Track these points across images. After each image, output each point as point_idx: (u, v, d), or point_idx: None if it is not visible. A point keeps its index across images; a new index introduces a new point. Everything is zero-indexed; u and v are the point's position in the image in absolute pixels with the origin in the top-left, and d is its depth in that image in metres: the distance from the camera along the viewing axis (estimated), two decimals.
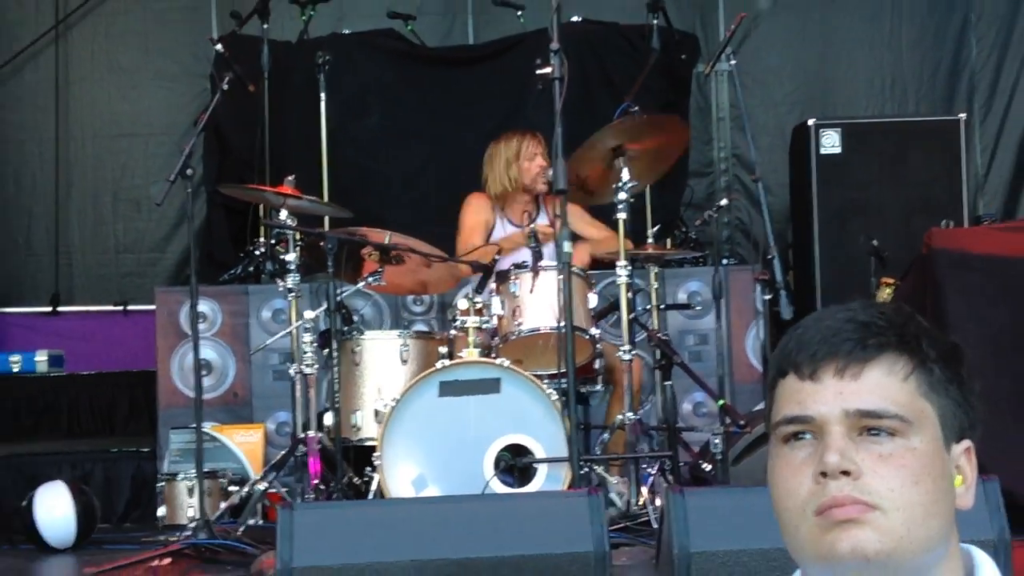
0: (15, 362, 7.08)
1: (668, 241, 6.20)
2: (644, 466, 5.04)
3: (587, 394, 5.36)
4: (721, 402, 5.35)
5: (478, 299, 5.17)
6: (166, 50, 7.96)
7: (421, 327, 5.93)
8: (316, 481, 5.02)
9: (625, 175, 5.15)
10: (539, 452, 4.78)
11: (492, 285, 5.26)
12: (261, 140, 6.74)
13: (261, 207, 6.46)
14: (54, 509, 5.23)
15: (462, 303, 5.18)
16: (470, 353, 5.04)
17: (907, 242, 5.83)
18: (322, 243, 5.14)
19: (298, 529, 2.78)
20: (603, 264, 5.64)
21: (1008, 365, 4.79)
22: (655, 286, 5.56)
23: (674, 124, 5.81)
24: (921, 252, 5.13)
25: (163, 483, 5.64)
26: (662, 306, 5.63)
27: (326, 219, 6.03)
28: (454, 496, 4.51)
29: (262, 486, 5.28)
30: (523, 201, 5.84)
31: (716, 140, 7.99)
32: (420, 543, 2.81)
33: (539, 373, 5.01)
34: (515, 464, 4.77)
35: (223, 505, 5.33)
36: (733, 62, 5.42)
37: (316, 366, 5.24)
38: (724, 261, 5.65)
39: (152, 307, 6.49)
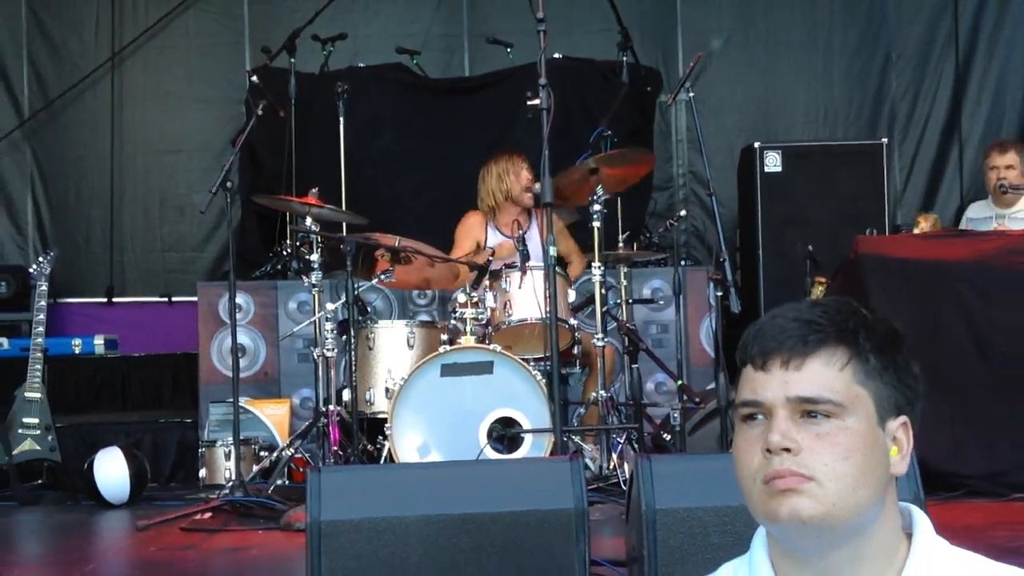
0: (76, 345, 7.04)
1: (635, 245, 6.19)
2: (614, 436, 5.05)
3: (567, 375, 5.34)
4: (679, 382, 5.37)
5: (474, 294, 5.17)
6: (205, 79, 7.90)
7: (425, 318, 5.91)
8: (335, 448, 5.02)
9: (599, 191, 5.16)
10: (526, 424, 4.78)
11: (486, 282, 5.25)
12: (288, 158, 6.73)
13: (288, 215, 6.45)
14: (111, 471, 5.25)
15: (460, 297, 5.17)
16: (467, 340, 5.04)
17: (837, 247, 5.77)
18: (341, 246, 5.13)
19: (324, 488, 2.75)
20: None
21: (919, 351, 4.79)
22: (624, 283, 5.56)
23: (643, 155, 5.82)
24: (849, 256, 5.15)
25: (204, 449, 5.63)
26: (630, 300, 5.63)
27: (344, 225, 6.02)
28: (454, 461, 4.49)
29: (288, 452, 5.30)
30: (512, 212, 5.80)
31: (676, 159, 7.94)
32: (427, 500, 2.78)
33: (526, 357, 5.01)
34: (505, 434, 4.77)
35: (255, 468, 5.33)
36: (691, 93, 5.36)
37: (335, 350, 5.24)
38: (682, 262, 5.65)
39: (194, 298, 6.48)
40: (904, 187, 7.99)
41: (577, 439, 5.05)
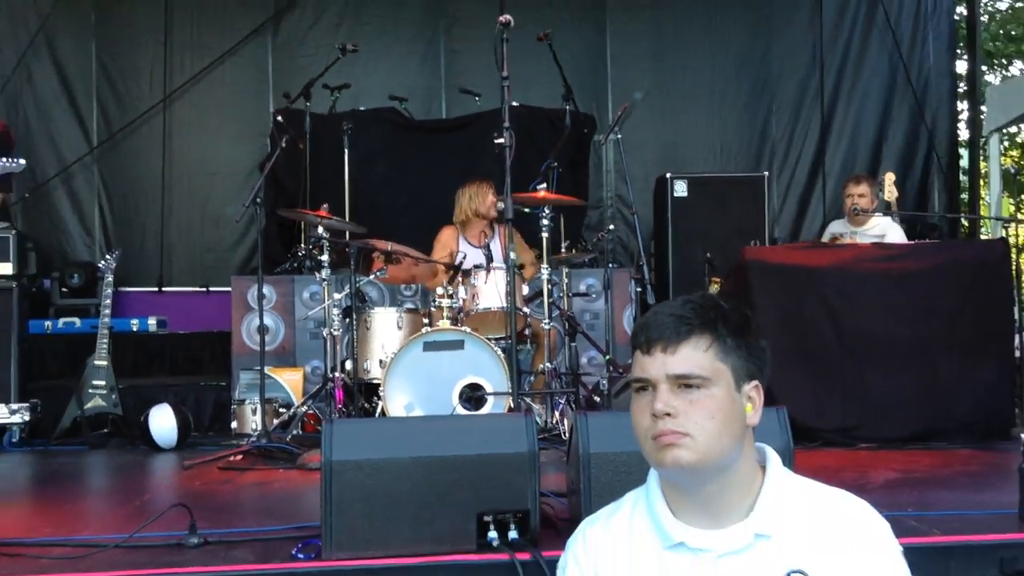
0: (134, 324, 7.01)
1: (574, 251, 6.23)
2: (557, 398, 5.07)
3: (520, 351, 5.36)
4: (607, 357, 5.39)
5: (450, 287, 5.17)
6: (238, 117, 7.84)
7: (411, 305, 5.89)
8: (339, 406, 4.98)
9: (547, 210, 5.20)
10: (489, 388, 4.79)
11: (459, 279, 5.25)
12: (304, 180, 6.69)
13: (303, 224, 6.45)
14: (162, 422, 5.22)
15: (439, 290, 5.18)
16: (444, 323, 5.04)
17: (728, 255, 5.81)
18: (346, 248, 5.12)
19: (335, 436, 2.75)
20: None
21: (792, 333, 4.79)
22: (566, 281, 5.56)
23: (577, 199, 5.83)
24: (738, 262, 5.15)
25: (235, 406, 5.62)
26: (570, 294, 5.63)
27: (347, 232, 5.97)
28: (434, 415, 4.49)
29: (302, 409, 5.27)
30: (479, 225, 5.82)
31: (605, 186, 7.96)
32: (414, 446, 2.79)
33: (490, 336, 5.02)
34: (473, 396, 4.78)
35: (276, 421, 5.29)
36: (619, 135, 5.42)
37: (340, 330, 5.20)
38: (610, 265, 5.67)
39: (227, 289, 6.40)
40: (780, 209, 8.06)
41: (528, 400, 5.04)
